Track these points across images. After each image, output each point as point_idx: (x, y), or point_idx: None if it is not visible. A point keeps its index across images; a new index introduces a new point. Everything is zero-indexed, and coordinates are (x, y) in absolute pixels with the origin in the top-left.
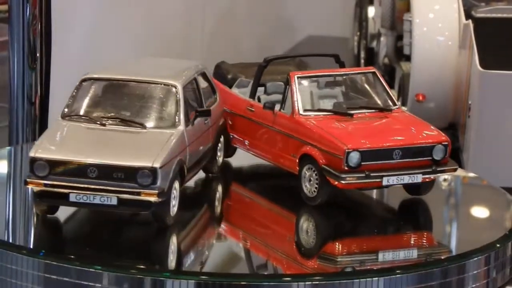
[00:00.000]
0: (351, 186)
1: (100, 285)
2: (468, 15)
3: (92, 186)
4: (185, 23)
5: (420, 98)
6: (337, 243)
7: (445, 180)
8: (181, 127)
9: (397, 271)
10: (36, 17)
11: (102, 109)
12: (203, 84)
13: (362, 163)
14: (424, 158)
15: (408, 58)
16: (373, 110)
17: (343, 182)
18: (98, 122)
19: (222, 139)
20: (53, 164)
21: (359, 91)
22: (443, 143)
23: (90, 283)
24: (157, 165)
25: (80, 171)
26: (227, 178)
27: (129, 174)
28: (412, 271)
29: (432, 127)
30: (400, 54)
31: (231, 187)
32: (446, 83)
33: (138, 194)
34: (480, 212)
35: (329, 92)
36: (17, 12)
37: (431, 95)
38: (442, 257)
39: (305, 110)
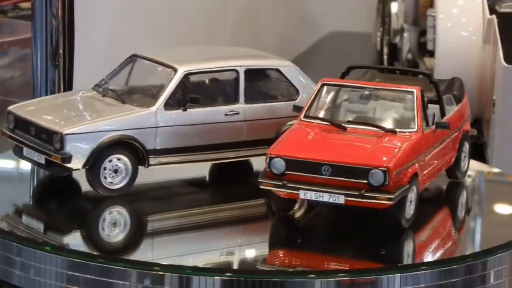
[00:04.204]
0: (279, 194)
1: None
2: (492, 10)
3: (30, 144)
4: (208, 18)
5: None
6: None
7: (469, 176)
8: (154, 107)
9: (422, 267)
10: (59, 14)
11: (117, 84)
12: (266, 78)
13: (287, 172)
14: (360, 181)
15: (431, 54)
16: (374, 128)
17: (260, 186)
18: (101, 94)
19: None
20: (15, 119)
21: (386, 107)
22: (380, 168)
23: (114, 280)
24: (66, 132)
25: (26, 128)
26: None
27: (49, 137)
28: (436, 267)
29: (393, 153)
30: (424, 49)
31: None
32: (470, 79)
33: (50, 156)
34: (504, 207)
35: (356, 104)
36: (40, 9)
37: None
38: (467, 253)
39: (306, 117)
